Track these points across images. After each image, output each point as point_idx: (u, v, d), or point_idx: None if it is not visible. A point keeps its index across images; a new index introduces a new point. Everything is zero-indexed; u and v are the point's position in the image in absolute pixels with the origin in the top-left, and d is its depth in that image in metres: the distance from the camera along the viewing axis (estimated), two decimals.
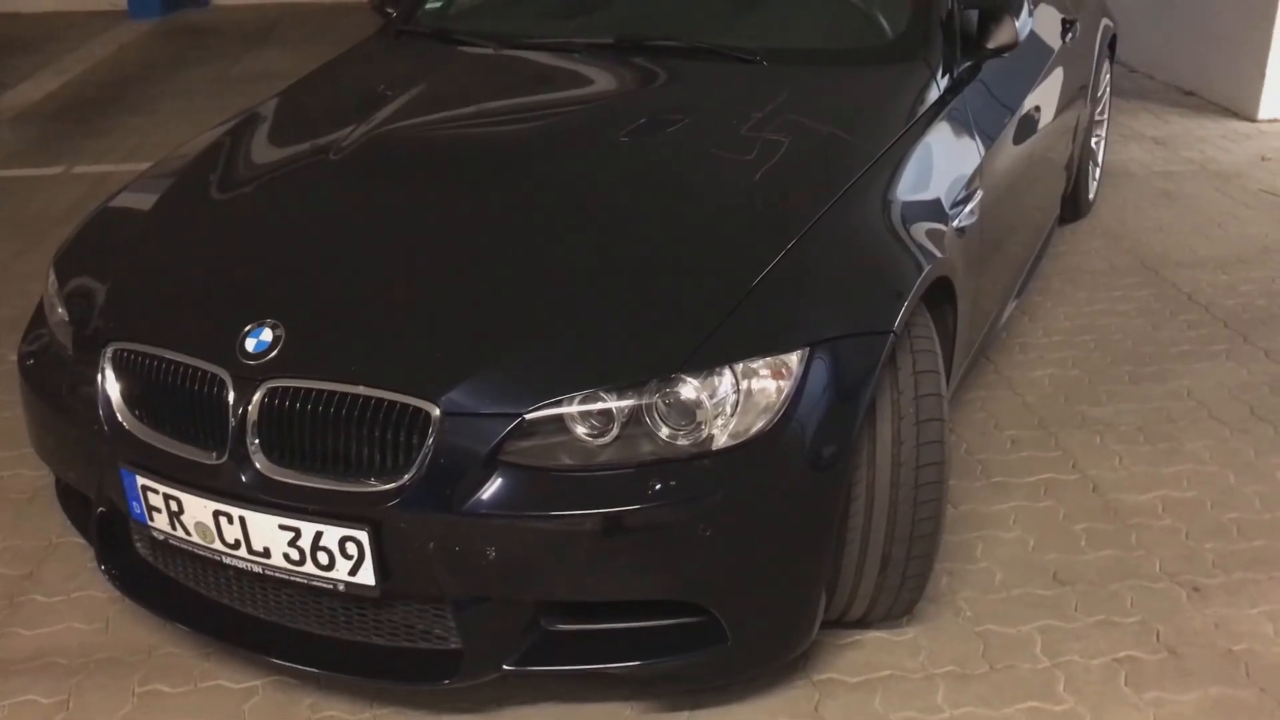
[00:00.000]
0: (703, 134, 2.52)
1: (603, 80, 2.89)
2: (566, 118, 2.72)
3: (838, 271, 2.19)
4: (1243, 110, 6.24)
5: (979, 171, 2.80)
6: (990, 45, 2.91)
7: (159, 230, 2.49)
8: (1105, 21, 4.60)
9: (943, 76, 2.84)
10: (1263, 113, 6.16)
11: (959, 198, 2.66)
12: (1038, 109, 3.41)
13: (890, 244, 2.31)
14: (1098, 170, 4.97)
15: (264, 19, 9.50)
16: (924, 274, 2.26)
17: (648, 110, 2.66)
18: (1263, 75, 6.11)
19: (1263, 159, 5.58)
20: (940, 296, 2.48)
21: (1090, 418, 3.33)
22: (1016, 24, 2.87)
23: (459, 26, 3.26)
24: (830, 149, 2.49)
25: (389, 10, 3.47)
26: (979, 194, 2.78)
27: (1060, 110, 3.75)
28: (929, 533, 2.22)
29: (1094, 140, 4.79)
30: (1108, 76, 4.90)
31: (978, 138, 2.86)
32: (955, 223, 2.61)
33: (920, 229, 2.38)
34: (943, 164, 2.66)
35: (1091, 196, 4.86)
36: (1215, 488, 2.99)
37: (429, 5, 3.37)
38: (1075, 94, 4.02)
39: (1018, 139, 3.19)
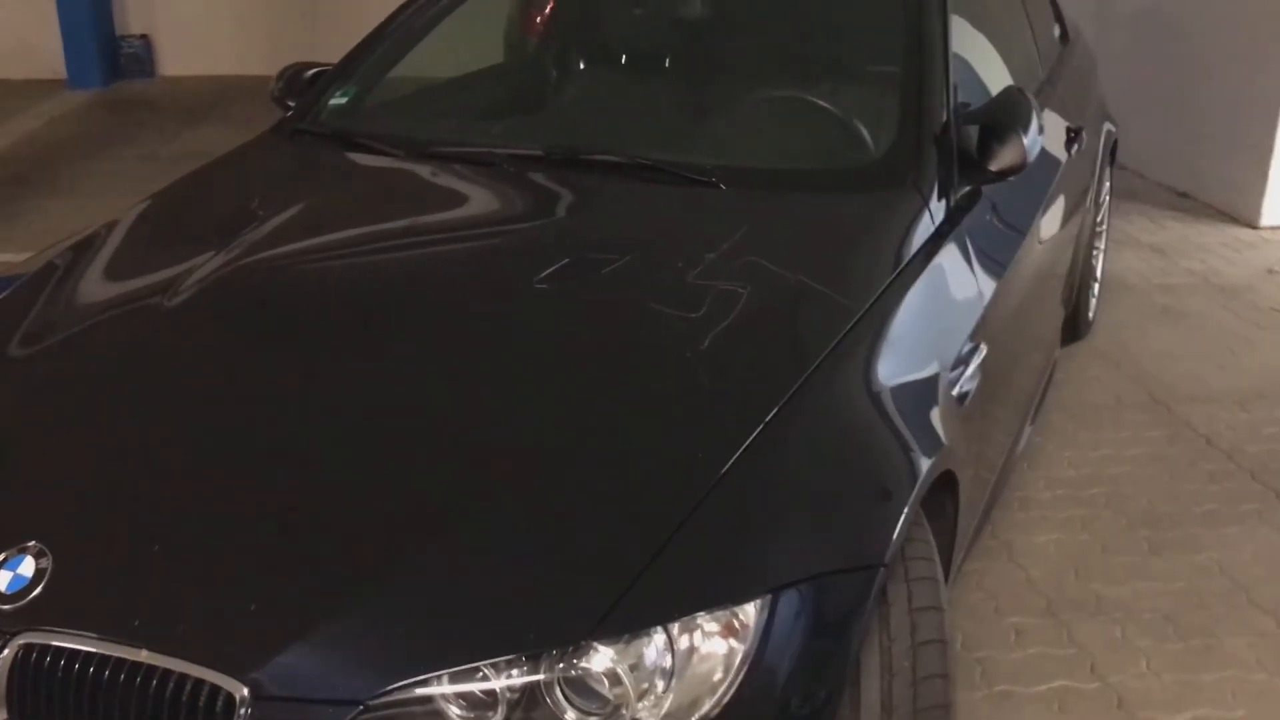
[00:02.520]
0: (640, 282, 2.00)
1: (523, 204, 2.38)
2: (470, 255, 2.19)
3: (810, 482, 1.66)
4: (1243, 216, 5.82)
5: (983, 322, 2.30)
6: (994, 167, 2.42)
7: None
8: (1108, 126, 4.17)
9: (938, 205, 2.35)
10: (1265, 219, 5.74)
11: (960, 357, 2.16)
12: (1045, 234, 2.93)
13: (878, 437, 1.79)
14: (1096, 285, 4.51)
15: (210, 92, 9.00)
16: (923, 476, 1.75)
17: (574, 247, 2.14)
18: (1265, 180, 5.71)
19: (1270, 271, 5.15)
20: (938, 487, 1.96)
21: (1107, 600, 2.80)
22: (1025, 142, 2.39)
23: (363, 128, 2.74)
24: (801, 306, 1.98)
25: (289, 104, 2.96)
26: (983, 350, 2.28)
27: (1066, 229, 3.28)
28: None
29: (1093, 253, 4.33)
30: (1108, 184, 4.46)
31: (979, 279, 2.37)
32: (956, 389, 2.11)
33: (915, 410, 1.87)
34: (940, 319, 2.16)
35: (1091, 315, 4.39)
36: (1266, 704, 2.46)
37: (333, 101, 2.86)
38: (1078, 207, 3.55)
39: (1024, 273, 2.70)
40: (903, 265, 2.12)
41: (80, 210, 5.94)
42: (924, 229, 2.28)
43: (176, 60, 9.41)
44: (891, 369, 1.92)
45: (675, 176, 2.34)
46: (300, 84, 3.01)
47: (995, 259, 2.51)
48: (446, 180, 2.47)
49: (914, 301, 2.06)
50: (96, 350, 1.92)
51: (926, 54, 2.56)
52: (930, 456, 1.81)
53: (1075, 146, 3.30)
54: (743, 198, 2.31)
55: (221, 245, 2.16)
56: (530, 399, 1.71)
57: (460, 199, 2.41)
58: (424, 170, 2.50)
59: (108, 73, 9.09)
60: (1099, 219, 4.31)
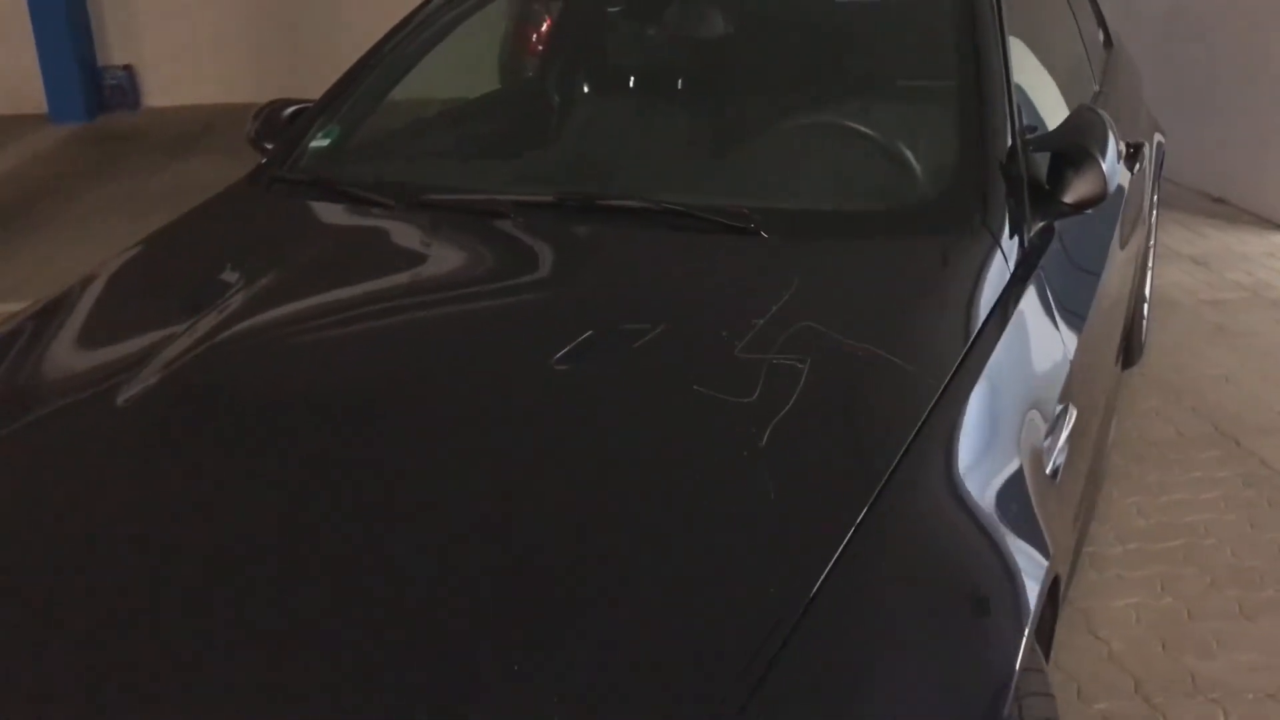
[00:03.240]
0: (678, 359, 1.67)
1: (533, 262, 2.06)
2: (475, 330, 1.85)
3: (903, 619, 1.33)
4: None
5: (1069, 382, 1.99)
6: (1070, 199, 2.11)
7: None
8: (1158, 138, 3.85)
9: (1011, 246, 2.03)
10: None
11: (1050, 426, 1.85)
12: (1117, 267, 2.62)
13: (977, 553, 1.47)
14: (1146, 305, 4.20)
15: (197, 121, 8.70)
16: (1035, 601, 1.43)
17: (597, 316, 1.81)
18: None
19: None
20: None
21: (1203, 678, 2.48)
22: (1105, 168, 2.08)
23: (348, 174, 2.43)
24: (870, 384, 1.65)
25: (267, 146, 2.65)
26: (1072, 414, 1.97)
27: (1132, 256, 2.97)
28: None
29: (1146, 273, 4.02)
30: (1156, 197, 4.15)
31: (1063, 331, 2.06)
32: (1049, 465, 1.80)
33: (1015, 509, 1.56)
34: (1027, 384, 1.85)
35: (1143, 338, 4.08)
36: None
37: (315, 143, 2.55)
38: (1138, 229, 3.24)
39: (1101, 316, 2.39)
40: (981, 323, 1.81)
41: (56, 254, 5.67)
42: (998, 275, 1.97)
43: (162, 90, 9.12)
44: (982, 456, 1.61)
45: (708, 223, 2.02)
46: (278, 123, 2.70)
47: (1075, 304, 2.20)
48: (443, 236, 2.16)
49: (998, 367, 1.74)
50: (29, 469, 1.59)
51: (984, 69, 2.25)
52: (1039, 569, 1.50)
53: (1137, 165, 2.99)
54: (787, 246, 1.99)
55: (188, 323, 1.85)
56: (562, 520, 1.38)
57: (459, 258, 2.09)
58: (417, 224, 2.19)
59: (92, 105, 8.80)
60: (1149, 237, 4.00)
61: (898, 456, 1.47)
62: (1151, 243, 4.19)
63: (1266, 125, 5.60)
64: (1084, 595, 2.77)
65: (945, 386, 1.63)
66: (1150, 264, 4.23)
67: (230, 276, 2.02)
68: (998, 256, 1.99)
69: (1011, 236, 2.05)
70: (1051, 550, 1.55)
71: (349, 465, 1.49)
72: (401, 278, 2.01)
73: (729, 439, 1.47)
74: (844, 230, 2.06)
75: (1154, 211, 4.16)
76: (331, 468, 1.48)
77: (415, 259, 2.09)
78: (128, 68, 9.02)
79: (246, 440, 1.57)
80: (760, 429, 1.49)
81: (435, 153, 2.61)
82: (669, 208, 2.06)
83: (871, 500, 1.40)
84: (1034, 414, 1.81)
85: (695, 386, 1.58)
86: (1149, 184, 3.60)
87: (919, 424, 1.54)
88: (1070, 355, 2.04)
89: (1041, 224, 2.16)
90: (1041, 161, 2.19)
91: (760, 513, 1.38)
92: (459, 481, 1.44)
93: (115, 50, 9.02)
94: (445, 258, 2.09)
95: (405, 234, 2.18)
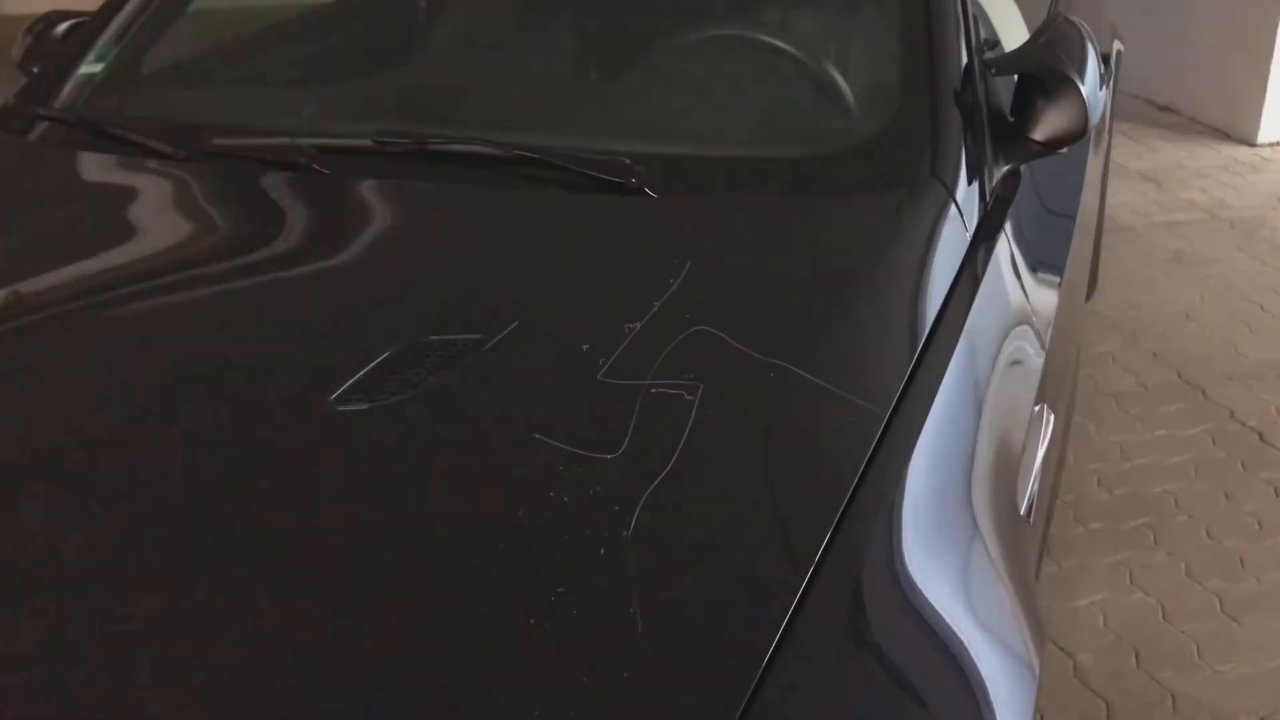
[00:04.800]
0: (511, 392, 1.18)
1: (330, 239, 1.52)
2: (216, 356, 1.27)
3: None
4: (1238, 133, 5.12)
5: (1047, 371, 1.55)
6: (1040, 136, 1.65)
7: None
8: (1118, 46, 3.39)
9: (969, 200, 1.57)
10: (1263, 135, 5.05)
11: (1024, 443, 1.41)
12: (1089, 207, 2.18)
13: (941, 669, 1.02)
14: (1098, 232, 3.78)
15: None
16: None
17: (403, 323, 1.29)
18: (1263, 91, 5.00)
19: None
20: None
21: (1185, 699, 2.11)
22: (1085, 93, 1.62)
23: (124, 113, 1.87)
24: (791, 419, 1.17)
25: (34, 70, 2.08)
26: (1049, 421, 1.53)
27: (1097, 182, 2.53)
28: None
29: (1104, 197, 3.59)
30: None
31: (1035, 305, 1.61)
32: (1024, 500, 1.37)
33: (990, 614, 1.11)
34: (996, 396, 1.39)
35: (1097, 268, 3.67)
36: None
37: (87, 69, 1.99)
38: (1100, 148, 2.80)
39: (1075, 263, 1.96)
40: (932, 319, 1.34)
41: None
42: (954, 244, 1.50)
43: None
44: (942, 515, 1.15)
45: (574, 177, 1.52)
46: (51, 42, 2.13)
47: (1048, 266, 1.75)
48: (225, 200, 1.62)
49: (956, 385, 1.28)
50: None
51: None
52: (1024, 692, 1.07)
53: (1108, 82, 2.53)
54: (680, 210, 1.50)
55: None
56: (330, 615, 0.91)
57: (236, 235, 1.55)
58: (198, 183, 1.65)
59: None
60: (1108, 156, 3.56)
61: (830, 529, 1.01)
62: (1107, 162, 3.77)
63: (1216, 27, 5.17)
64: (1043, 592, 2.37)
65: (892, 412, 1.17)
66: (1105, 186, 3.82)
67: None
68: (952, 217, 1.52)
69: (969, 188, 1.58)
70: (1038, 662, 1.11)
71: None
72: (145, 268, 1.47)
73: (583, 530, 0.99)
74: (751, 184, 1.56)
75: (1108, 129, 3.73)
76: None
77: (184, 238, 1.55)
78: None
79: None
80: (627, 504, 1.01)
81: (242, 82, 2.05)
82: (521, 155, 1.55)
83: (796, 600, 0.94)
84: (1005, 436, 1.36)
85: (536, 435, 1.10)
86: (1110, 99, 3.15)
87: (856, 478, 1.08)
88: (1046, 341, 1.59)
89: (1006, 169, 1.69)
90: (1004, 89, 1.73)
91: (633, 649, 0.91)
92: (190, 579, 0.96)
93: None
94: (215, 236, 1.55)
95: (175, 199, 1.64)
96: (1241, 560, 2.47)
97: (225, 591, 0.95)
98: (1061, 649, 2.22)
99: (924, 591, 1.05)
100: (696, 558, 1.00)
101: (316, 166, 1.60)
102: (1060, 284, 1.75)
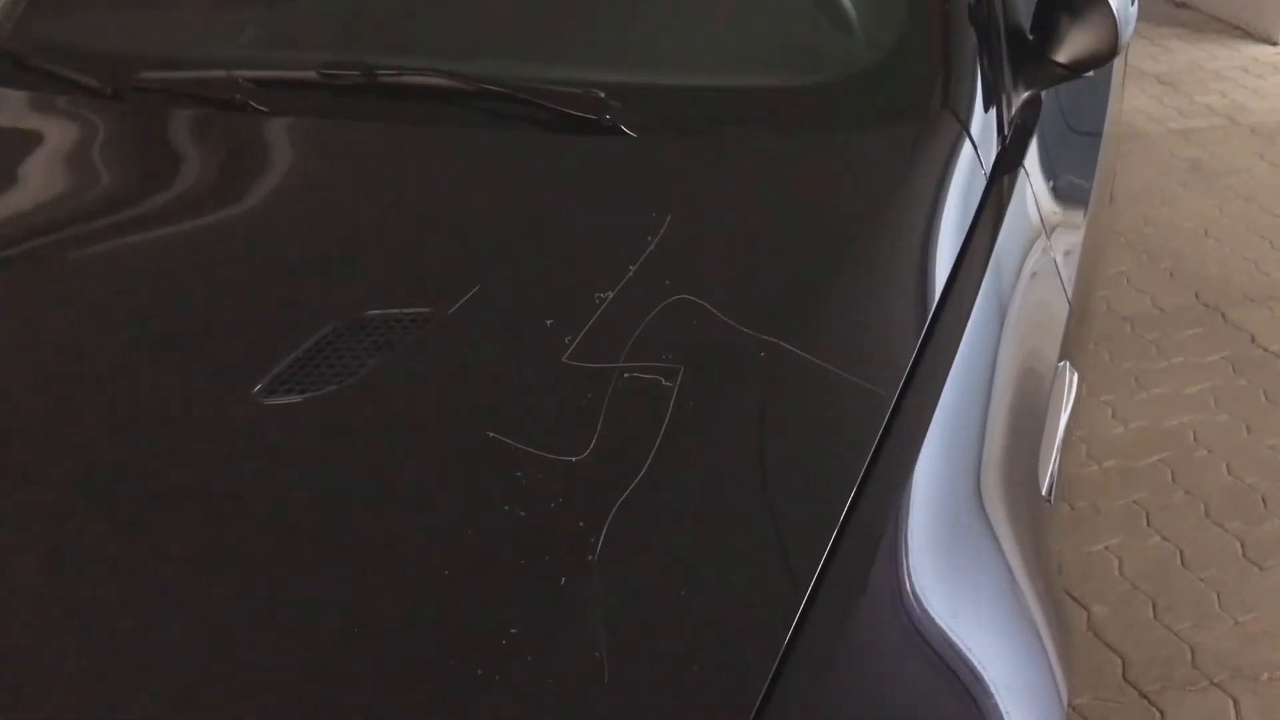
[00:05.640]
0: (465, 376, 1.03)
1: (264, 191, 1.34)
2: (139, 332, 1.11)
3: None
4: (1257, 30, 4.88)
5: (1070, 326, 1.40)
6: (1064, 58, 1.47)
7: None
8: None
9: (986, 134, 1.40)
10: None
11: (1047, 411, 1.27)
12: (1112, 118, 2.01)
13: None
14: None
15: None
16: None
17: (348, 288, 1.13)
18: None
19: None
20: None
21: (1205, 654, 1.99)
22: (1115, 6, 1.44)
23: (51, 43, 1.68)
24: (783, 404, 1.01)
25: None
26: (1071, 379, 1.39)
27: (1119, 93, 2.36)
28: None
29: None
30: None
31: (1059, 250, 1.45)
32: (1046, 478, 1.23)
33: (1016, 639, 0.98)
34: (1016, 361, 1.24)
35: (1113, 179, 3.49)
36: None
37: None
38: (1124, 56, 2.61)
39: (1101, 188, 1.79)
40: (946, 277, 1.18)
41: None
42: (969, 184, 1.34)
43: None
44: (955, 517, 1.01)
45: (544, 114, 1.35)
46: None
47: (1073, 202, 1.59)
48: (141, 144, 1.45)
49: (973, 350, 1.13)
50: None
51: None
52: (1051, 704, 0.94)
53: None
54: (660, 151, 1.33)
55: None
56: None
57: (150, 186, 1.36)
58: (125, 124, 1.48)
59: None
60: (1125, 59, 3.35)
61: (830, 539, 0.87)
62: (1126, 68, 3.56)
63: None
64: (1055, 537, 2.25)
65: (889, 420, 1.00)
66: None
67: None
68: (966, 154, 1.35)
69: (986, 120, 1.41)
70: (1066, 690, 0.98)
71: None
72: (35, 230, 1.30)
73: (546, 544, 0.85)
74: (740, 119, 1.39)
75: None
76: None
77: (74, 191, 1.37)
78: None
79: None
80: (596, 515, 0.87)
81: (172, 5, 1.84)
82: (482, 89, 1.37)
83: (781, 651, 0.81)
84: (1025, 408, 1.22)
85: (490, 433, 0.95)
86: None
87: (858, 478, 0.94)
88: (1071, 289, 1.44)
89: (1026, 95, 1.52)
90: (1023, 5, 1.54)
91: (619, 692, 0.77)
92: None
93: None
94: (123, 188, 1.37)
95: (84, 143, 1.46)
96: (1264, 500, 2.34)
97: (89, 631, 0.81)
98: (1075, 599, 2.10)
99: (935, 614, 0.92)
100: (678, 575, 0.86)
101: (253, 104, 1.43)
102: (1085, 222, 1.59)
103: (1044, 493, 1.22)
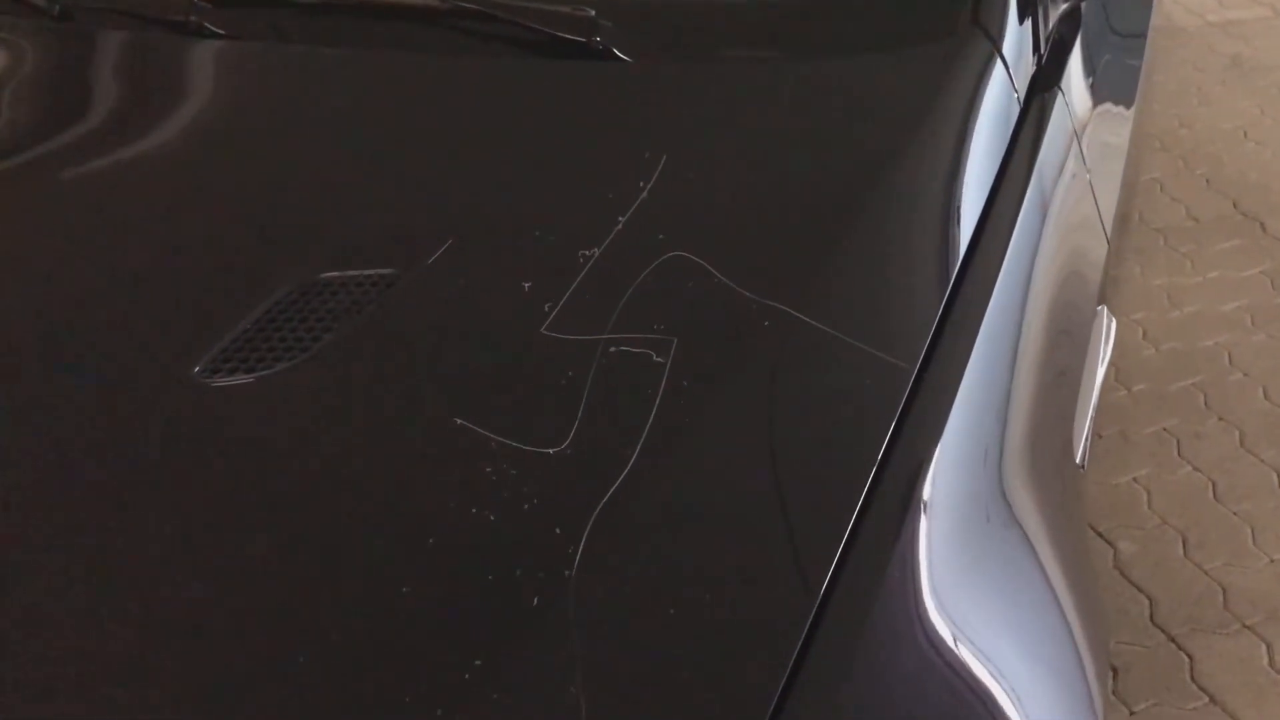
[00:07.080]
0: (429, 351, 0.91)
1: (211, 129, 1.20)
2: (65, 300, 0.98)
3: None
4: None
5: (1108, 267, 1.28)
6: None
7: None
8: None
9: (1021, 55, 1.26)
10: None
11: (1084, 368, 1.16)
12: (1151, 20, 1.86)
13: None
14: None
15: None
16: None
17: (305, 244, 1.01)
18: None
19: None
20: None
21: (1237, 594, 1.91)
22: None
23: None
24: (792, 378, 0.89)
25: None
26: (1111, 325, 1.27)
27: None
28: None
29: None
30: None
31: (1095, 188, 1.32)
32: (1080, 444, 1.13)
33: (1044, 634, 0.88)
34: (1048, 319, 1.12)
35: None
36: None
37: None
38: None
39: (1139, 116, 1.65)
40: (972, 227, 1.05)
41: None
42: (1000, 113, 1.20)
43: None
44: (980, 502, 0.91)
45: (525, 35, 1.21)
46: None
47: (1115, 123, 1.45)
48: (74, 75, 1.31)
49: (1000, 313, 1.00)
50: None
51: None
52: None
53: None
54: (657, 78, 1.20)
55: None
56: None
57: (83, 124, 1.23)
58: (69, 51, 1.34)
59: None
60: None
61: (849, 524, 0.78)
62: None
63: None
64: (1088, 505, 2.15)
65: (921, 364, 0.90)
66: None
67: None
68: (998, 76, 1.21)
69: (1020, 37, 1.27)
70: (1101, 700, 0.88)
71: None
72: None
73: (532, 542, 0.75)
74: (747, 41, 1.25)
75: None
76: None
77: (33, 123, 1.25)
78: None
79: None
80: (578, 515, 0.76)
81: None
82: (460, 6, 1.23)
83: (793, 658, 0.71)
84: (1061, 366, 1.11)
85: (458, 420, 0.84)
86: None
87: (878, 458, 0.83)
88: (1110, 227, 1.31)
89: (1065, 6, 1.37)
90: None
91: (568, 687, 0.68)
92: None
93: None
94: (51, 127, 1.24)
95: (39, 71, 1.33)
96: None
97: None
98: (1101, 535, 2.01)
99: (956, 617, 0.82)
100: (678, 575, 0.76)
101: (209, 25, 1.29)
102: (1126, 151, 1.45)
103: (1078, 459, 1.11)
